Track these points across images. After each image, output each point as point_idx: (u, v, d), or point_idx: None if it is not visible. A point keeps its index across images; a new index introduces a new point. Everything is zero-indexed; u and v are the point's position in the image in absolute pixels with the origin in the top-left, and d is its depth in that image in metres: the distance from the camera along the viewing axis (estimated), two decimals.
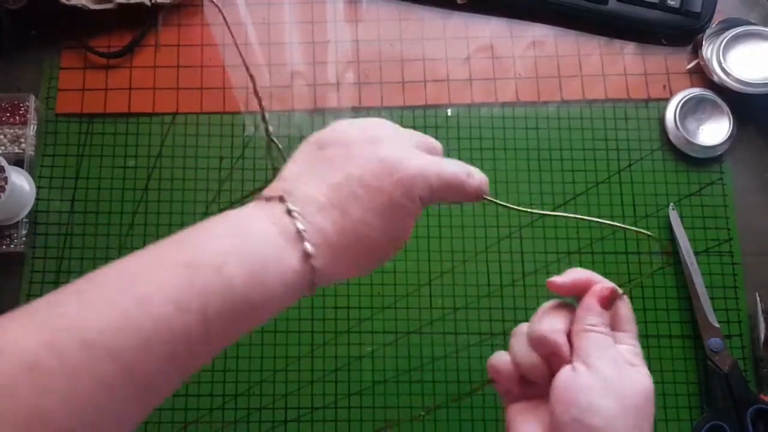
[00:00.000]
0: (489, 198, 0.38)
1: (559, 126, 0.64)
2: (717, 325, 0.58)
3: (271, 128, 0.44)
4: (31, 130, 0.62)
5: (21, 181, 0.59)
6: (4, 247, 0.60)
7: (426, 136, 0.38)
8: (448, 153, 0.39)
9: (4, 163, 0.57)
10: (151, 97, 0.65)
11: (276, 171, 0.36)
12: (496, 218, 0.62)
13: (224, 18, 0.48)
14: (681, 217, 0.61)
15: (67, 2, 0.63)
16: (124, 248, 0.60)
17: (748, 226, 0.62)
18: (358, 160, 0.34)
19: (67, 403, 0.25)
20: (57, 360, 0.25)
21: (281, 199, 0.33)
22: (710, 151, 0.63)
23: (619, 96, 0.65)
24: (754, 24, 0.65)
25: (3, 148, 0.62)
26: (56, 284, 0.59)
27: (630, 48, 0.67)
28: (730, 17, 0.65)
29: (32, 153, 0.62)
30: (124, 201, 0.62)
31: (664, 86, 0.65)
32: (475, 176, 0.37)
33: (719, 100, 0.63)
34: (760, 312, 0.59)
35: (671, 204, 0.61)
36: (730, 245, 0.61)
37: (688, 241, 0.60)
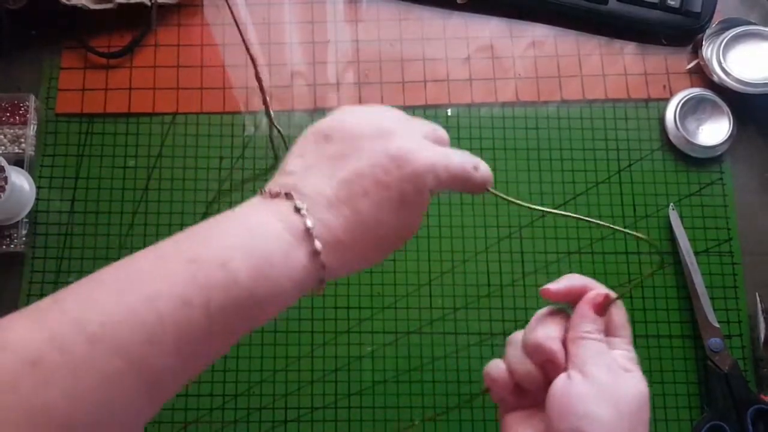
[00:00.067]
0: (494, 191, 0.38)
1: (559, 126, 0.64)
2: (717, 325, 0.58)
3: (272, 112, 0.43)
4: (31, 130, 0.62)
5: (21, 181, 0.59)
6: (4, 247, 0.60)
7: (434, 126, 0.37)
8: None
9: (4, 163, 0.57)
10: (151, 97, 0.64)
11: (278, 158, 0.35)
12: (496, 218, 0.62)
13: (229, 7, 0.47)
14: (681, 217, 0.61)
15: (67, 2, 0.63)
16: (124, 248, 0.60)
17: (748, 226, 0.62)
18: (368, 153, 0.33)
19: (71, 397, 0.25)
20: (60, 355, 0.25)
21: (288, 196, 0.32)
22: (710, 151, 0.63)
23: (619, 96, 0.65)
24: (754, 24, 0.65)
25: (3, 148, 0.62)
26: (56, 284, 0.59)
27: (630, 48, 0.67)
28: (730, 17, 0.65)
29: (32, 153, 0.62)
30: (124, 201, 0.62)
31: (664, 86, 0.65)
32: (481, 169, 0.37)
33: (719, 100, 0.63)
34: (760, 312, 0.59)
35: (671, 204, 0.61)
36: (730, 245, 0.61)
37: (688, 241, 0.60)
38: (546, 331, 0.37)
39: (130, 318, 0.27)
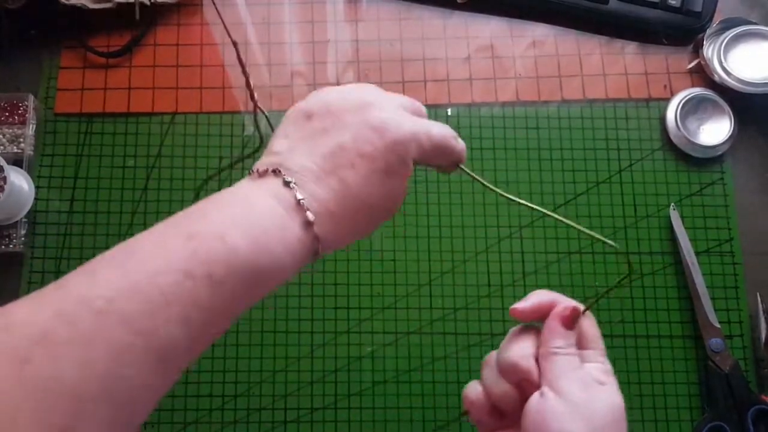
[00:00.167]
0: (464, 168, 0.39)
1: (560, 126, 0.64)
2: (718, 325, 0.58)
3: (257, 95, 0.43)
4: (30, 129, 0.62)
5: (20, 180, 0.59)
6: (3, 247, 0.60)
7: (409, 98, 0.38)
8: None
9: (3, 162, 0.57)
10: (151, 96, 0.64)
11: (263, 140, 0.36)
12: (497, 218, 0.62)
13: (219, 14, 0.47)
14: (682, 217, 0.61)
15: (66, 2, 0.63)
16: None
17: (749, 226, 0.62)
18: (350, 126, 0.34)
19: (81, 369, 0.25)
20: (69, 328, 0.25)
21: (276, 172, 0.33)
22: (711, 151, 0.63)
23: (620, 96, 0.65)
24: (755, 24, 0.64)
25: (2, 147, 0.62)
26: None
27: (631, 48, 0.66)
28: (730, 17, 0.65)
29: (31, 153, 0.62)
30: (123, 201, 0.62)
31: (665, 86, 0.65)
32: (459, 140, 0.38)
33: (720, 100, 0.63)
34: (761, 312, 0.59)
35: (672, 204, 0.61)
36: (731, 245, 0.61)
37: (688, 241, 0.60)
38: (519, 350, 0.37)
39: (134, 292, 0.27)
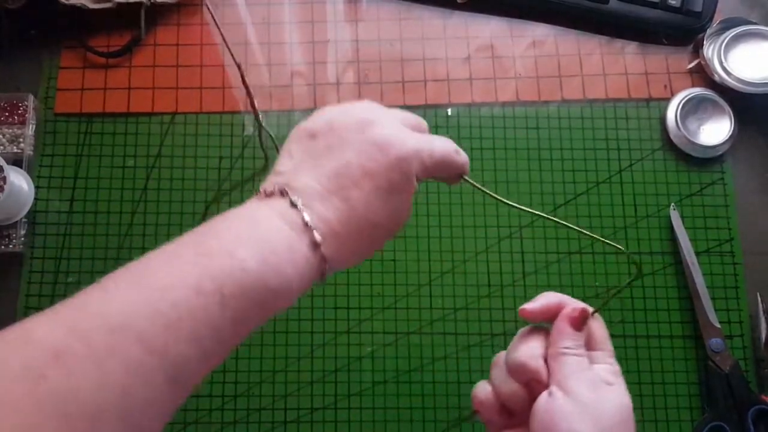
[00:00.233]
0: (468, 179, 0.39)
1: (560, 126, 0.64)
2: (718, 325, 0.58)
3: (261, 116, 0.44)
4: (30, 129, 0.62)
5: (20, 180, 0.59)
6: (2, 247, 0.59)
7: (411, 114, 0.39)
8: None
9: (2, 162, 0.57)
10: (151, 96, 0.64)
11: (268, 159, 0.36)
12: (497, 218, 0.62)
13: (213, 17, 0.47)
14: (682, 217, 0.61)
15: (66, 2, 0.62)
16: (123, 248, 0.60)
17: (749, 226, 0.62)
18: (353, 145, 0.34)
19: (97, 387, 0.25)
20: (83, 345, 0.26)
21: (282, 193, 0.33)
22: (711, 151, 0.63)
23: (620, 95, 0.65)
24: (755, 24, 0.64)
25: (2, 147, 0.62)
26: (55, 284, 0.59)
27: (631, 47, 0.66)
28: (730, 17, 0.65)
29: (31, 153, 0.62)
30: (123, 201, 0.62)
31: (665, 86, 0.65)
32: (461, 152, 0.38)
33: (720, 100, 0.63)
34: (761, 312, 0.59)
35: (672, 204, 0.61)
36: (731, 245, 0.61)
37: (689, 241, 0.60)
38: (528, 350, 0.37)
39: (146, 309, 0.27)
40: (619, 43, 0.66)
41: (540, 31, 0.67)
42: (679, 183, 0.63)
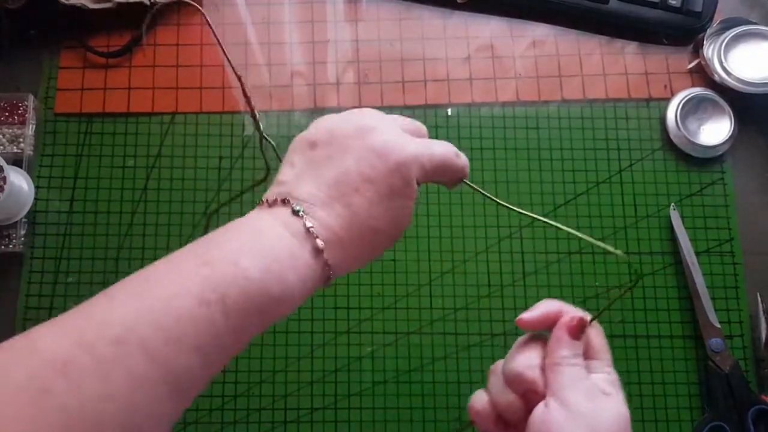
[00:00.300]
0: (468, 183, 0.39)
1: (560, 126, 0.64)
2: (718, 325, 0.58)
3: (262, 125, 0.44)
4: (30, 129, 0.62)
5: (20, 180, 0.59)
6: (2, 247, 0.59)
7: (410, 119, 0.39)
8: None
9: (2, 162, 0.57)
10: (151, 96, 0.64)
11: (269, 169, 0.36)
12: (497, 218, 0.62)
13: (207, 21, 0.47)
14: (682, 217, 0.61)
15: (66, 2, 0.62)
16: (123, 248, 0.60)
17: (749, 226, 0.62)
18: (353, 152, 0.35)
19: (103, 399, 0.26)
20: (89, 357, 0.26)
21: (285, 202, 0.34)
22: (711, 151, 0.63)
23: (620, 95, 0.65)
24: (755, 24, 0.64)
25: (2, 147, 0.62)
26: (55, 284, 0.59)
27: (631, 47, 0.66)
28: (730, 17, 0.65)
29: (31, 153, 0.62)
30: (123, 201, 0.61)
31: (665, 86, 0.65)
32: (461, 156, 0.38)
33: (720, 100, 0.63)
34: (761, 312, 0.59)
35: (672, 204, 0.61)
36: (731, 245, 0.61)
37: (689, 241, 0.60)
38: (525, 360, 0.37)
39: (150, 319, 0.28)
40: (619, 43, 0.66)
41: (540, 31, 0.67)
42: (679, 183, 0.63)
